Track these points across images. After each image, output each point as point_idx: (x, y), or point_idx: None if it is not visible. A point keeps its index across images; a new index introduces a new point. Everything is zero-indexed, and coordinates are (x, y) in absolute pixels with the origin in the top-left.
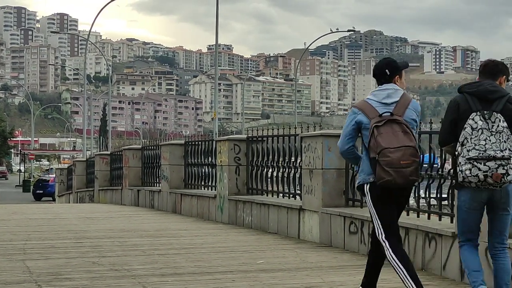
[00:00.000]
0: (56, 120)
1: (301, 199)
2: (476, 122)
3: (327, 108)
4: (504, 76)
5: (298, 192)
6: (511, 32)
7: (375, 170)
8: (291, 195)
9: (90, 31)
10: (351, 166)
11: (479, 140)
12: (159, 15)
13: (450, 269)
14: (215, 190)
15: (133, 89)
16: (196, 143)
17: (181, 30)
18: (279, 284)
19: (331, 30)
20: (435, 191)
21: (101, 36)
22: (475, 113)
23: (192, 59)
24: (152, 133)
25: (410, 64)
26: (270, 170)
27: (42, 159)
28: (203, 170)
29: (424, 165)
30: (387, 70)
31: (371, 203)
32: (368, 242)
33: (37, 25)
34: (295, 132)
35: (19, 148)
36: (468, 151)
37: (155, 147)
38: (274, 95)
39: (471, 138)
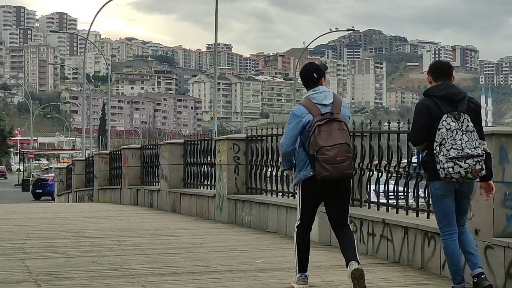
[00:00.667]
0: (55, 119)
1: None
2: (449, 124)
3: None
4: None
5: None
6: (511, 32)
7: (314, 165)
8: (290, 194)
9: (89, 30)
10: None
11: (455, 140)
12: (158, 14)
13: None
14: (214, 189)
15: (132, 88)
16: (195, 142)
17: (180, 29)
18: (278, 283)
19: (330, 30)
20: None
21: (100, 35)
22: (446, 115)
23: (191, 58)
24: (152, 132)
25: (409, 64)
26: (269, 170)
27: (41, 158)
28: (202, 170)
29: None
30: (314, 74)
31: (301, 196)
32: (368, 242)
33: (36, 24)
34: None
35: (18, 147)
36: (448, 150)
37: (154, 147)
38: (273, 94)
39: (448, 138)
